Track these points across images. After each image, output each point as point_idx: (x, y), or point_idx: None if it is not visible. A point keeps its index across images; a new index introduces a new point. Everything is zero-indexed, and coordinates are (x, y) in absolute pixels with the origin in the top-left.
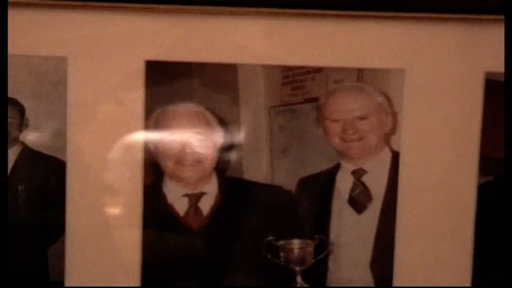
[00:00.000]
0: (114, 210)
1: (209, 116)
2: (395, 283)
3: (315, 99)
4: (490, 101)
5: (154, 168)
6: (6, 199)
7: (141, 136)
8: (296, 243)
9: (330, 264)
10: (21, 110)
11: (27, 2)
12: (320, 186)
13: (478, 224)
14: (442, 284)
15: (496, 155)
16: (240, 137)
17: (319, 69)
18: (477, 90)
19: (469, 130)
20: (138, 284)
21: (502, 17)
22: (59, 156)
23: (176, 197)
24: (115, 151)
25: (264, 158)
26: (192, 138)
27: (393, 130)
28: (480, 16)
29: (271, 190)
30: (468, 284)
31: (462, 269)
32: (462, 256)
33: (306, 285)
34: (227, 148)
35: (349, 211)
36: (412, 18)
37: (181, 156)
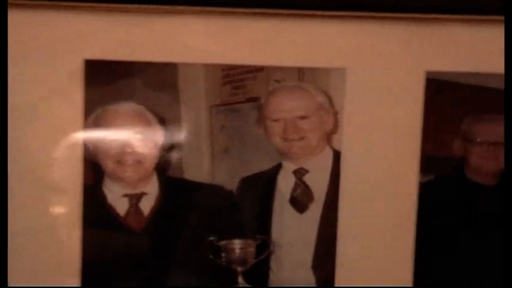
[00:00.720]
0: (54, 210)
1: (150, 115)
2: (337, 283)
3: (256, 99)
4: (431, 100)
5: (95, 168)
6: (6, 199)
7: (80, 136)
8: (237, 244)
9: (272, 264)
10: None
11: None
12: (261, 186)
13: (420, 223)
14: (384, 283)
15: (437, 153)
16: (180, 136)
17: (260, 69)
18: (418, 89)
19: (410, 129)
20: (78, 284)
21: (444, 15)
22: None
23: (116, 197)
24: (55, 151)
25: (205, 157)
26: (132, 138)
27: (334, 129)
28: (421, 15)
29: (212, 190)
30: (410, 284)
31: (404, 268)
32: (404, 256)
33: (247, 286)
34: (168, 148)
35: (290, 211)
36: (353, 17)
37: (121, 156)
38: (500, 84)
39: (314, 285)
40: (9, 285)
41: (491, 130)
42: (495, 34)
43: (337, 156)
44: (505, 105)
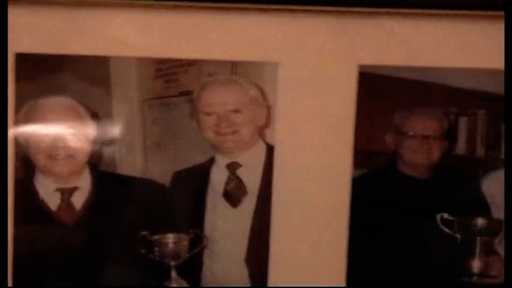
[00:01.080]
0: None
1: (81, 109)
2: (271, 279)
3: (188, 92)
4: (363, 94)
5: (26, 162)
6: (6, 198)
7: (11, 130)
8: (170, 238)
9: (205, 259)
10: None
11: None
12: (194, 180)
13: (353, 217)
14: (318, 277)
15: (370, 147)
16: (113, 130)
17: (192, 62)
18: (351, 83)
19: (343, 123)
20: (10, 280)
21: (375, 9)
22: None
23: (48, 191)
24: None
25: (137, 151)
26: (64, 132)
27: (267, 123)
28: (353, 9)
29: (145, 184)
30: (343, 277)
31: (337, 262)
32: (337, 249)
33: (181, 281)
34: (100, 142)
35: (224, 205)
36: (285, 10)
37: (52, 150)
38: (431, 77)
39: (248, 280)
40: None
41: (423, 123)
42: (426, 27)
43: (270, 150)
44: (505, 105)
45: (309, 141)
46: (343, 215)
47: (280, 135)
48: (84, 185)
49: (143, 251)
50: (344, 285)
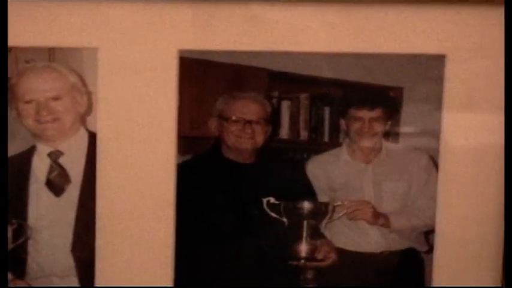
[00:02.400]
0: None
1: None
2: (98, 265)
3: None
4: (185, 80)
5: None
6: (7, 199)
7: None
8: None
9: (30, 249)
10: None
11: None
12: (16, 169)
13: (179, 202)
14: (145, 264)
15: (193, 133)
16: None
17: (8, 49)
18: (171, 68)
19: (165, 109)
20: None
21: None
22: None
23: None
24: None
25: None
26: None
27: (89, 110)
28: None
29: None
30: (170, 265)
31: (165, 247)
32: (164, 234)
33: None
34: None
35: (47, 194)
36: None
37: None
38: (253, 62)
39: (74, 268)
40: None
41: (246, 108)
42: (255, 10)
43: (92, 137)
44: (505, 105)
45: (131, 127)
46: (169, 202)
47: (101, 122)
48: None
49: None
50: (171, 269)
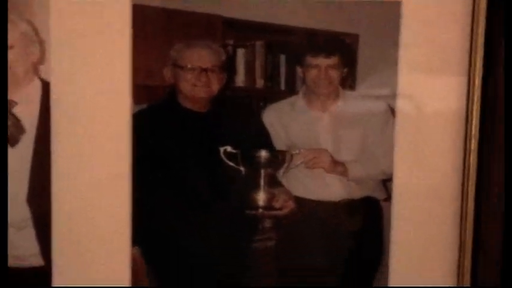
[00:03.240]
0: None
1: None
2: (54, 219)
3: None
4: (138, 28)
5: None
6: (6, 199)
7: None
8: None
9: None
10: None
11: None
12: None
13: (136, 152)
14: (103, 211)
15: (148, 82)
16: None
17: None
18: (125, 16)
19: (119, 57)
20: None
21: None
22: None
23: None
24: None
25: None
26: None
27: (42, 59)
28: None
29: None
30: (128, 213)
31: (122, 199)
32: (121, 182)
33: None
34: None
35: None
36: None
37: None
38: (208, 9)
39: (30, 219)
40: None
41: (201, 56)
42: None
43: (46, 87)
44: (505, 105)
45: (85, 76)
46: (125, 151)
47: (55, 71)
48: None
49: None
50: (129, 217)
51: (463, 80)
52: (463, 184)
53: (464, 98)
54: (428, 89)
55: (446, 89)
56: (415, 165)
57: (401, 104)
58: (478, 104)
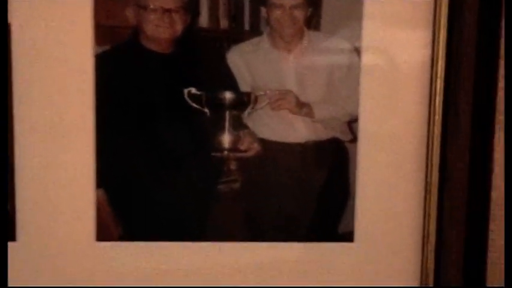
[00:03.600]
0: None
1: None
2: (17, 160)
3: None
4: None
5: None
6: (6, 195)
7: None
8: None
9: None
10: None
11: None
12: None
13: (99, 94)
14: (66, 156)
15: (111, 23)
16: None
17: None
18: None
19: None
20: None
21: None
22: None
23: None
24: None
25: None
26: None
27: None
28: None
29: None
30: (92, 156)
31: (85, 143)
32: (83, 130)
33: None
34: None
35: None
36: None
37: None
38: None
39: None
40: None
41: None
42: None
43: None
44: (505, 104)
45: (45, 18)
46: (87, 94)
47: (15, 13)
48: None
49: None
50: (94, 159)
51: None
52: (428, 127)
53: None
54: (397, 29)
55: (414, 36)
56: (380, 106)
57: (366, 44)
58: (444, 42)
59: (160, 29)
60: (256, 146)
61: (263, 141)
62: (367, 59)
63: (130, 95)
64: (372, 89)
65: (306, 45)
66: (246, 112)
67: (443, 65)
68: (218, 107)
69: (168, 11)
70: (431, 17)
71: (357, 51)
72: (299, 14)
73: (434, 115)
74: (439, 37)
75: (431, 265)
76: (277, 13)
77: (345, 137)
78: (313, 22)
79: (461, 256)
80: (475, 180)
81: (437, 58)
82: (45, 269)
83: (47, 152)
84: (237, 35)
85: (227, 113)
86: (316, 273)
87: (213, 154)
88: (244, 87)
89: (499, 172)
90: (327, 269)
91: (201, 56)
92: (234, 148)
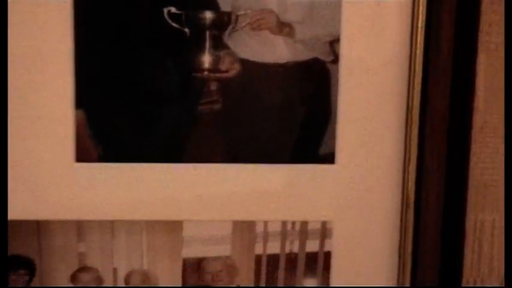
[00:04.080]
0: None
1: None
2: None
3: None
4: None
5: None
6: (6, 199)
7: None
8: None
9: None
10: None
11: None
12: None
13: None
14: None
15: None
16: None
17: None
18: None
19: None
20: None
21: None
22: None
23: None
24: None
25: None
26: None
27: None
28: None
29: None
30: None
31: (63, 72)
32: (62, 55)
33: None
34: None
35: None
36: None
37: None
38: None
39: None
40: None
41: None
42: None
43: None
44: (505, 104)
45: None
46: (65, 13)
47: None
48: None
49: None
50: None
51: None
52: (410, 48)
53: None
54: None
55: None
56: (364, 27)
57: None
58: None
59: None
60: (236, 66)
61: (244, 62)
62: None
63: (109, 14)
64: (355, 8)
65: None
66: (227, 32)
67: None
68: (198, 26)
69: None
70: None
71: None
72: None
73: (416, 36)
74: None
75: (412, 185)
76: None
77: (327, 57)
78: None
79: (443, 180)
80: (455, 103)
81: None
82: (24, 190)
83: (26, 71)
84: None
85: (207, 33)
86: (296, 195)
87: (193, 74)
88: (224, 6)
89: (481, 95)
90: (308, 191)
91: None
92: (214, 68)
